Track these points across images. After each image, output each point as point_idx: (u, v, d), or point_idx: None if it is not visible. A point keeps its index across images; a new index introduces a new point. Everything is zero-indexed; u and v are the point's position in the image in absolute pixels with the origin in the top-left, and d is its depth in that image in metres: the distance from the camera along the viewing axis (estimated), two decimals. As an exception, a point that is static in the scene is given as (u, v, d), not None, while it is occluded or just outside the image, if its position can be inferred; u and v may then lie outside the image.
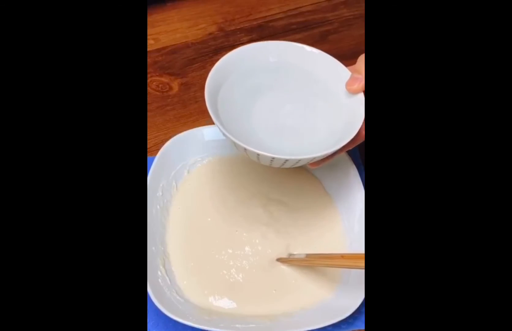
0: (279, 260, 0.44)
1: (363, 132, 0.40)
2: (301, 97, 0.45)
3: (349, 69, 0.42)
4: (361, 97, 0.41)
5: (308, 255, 0.42)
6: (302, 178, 0.49)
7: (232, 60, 0.44)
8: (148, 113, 0.55)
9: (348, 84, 0.41)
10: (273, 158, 0.37)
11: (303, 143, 0.42)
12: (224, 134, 0.38)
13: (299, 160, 0.38)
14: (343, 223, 0.46)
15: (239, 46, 0.61)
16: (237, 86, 0.44)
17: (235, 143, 0.38)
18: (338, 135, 0.40)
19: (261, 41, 0.46)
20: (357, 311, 0.38)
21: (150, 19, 0.65)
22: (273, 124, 0.43)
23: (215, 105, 0.41)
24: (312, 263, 0.43)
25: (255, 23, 0.65)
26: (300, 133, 0.42)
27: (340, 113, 0.42)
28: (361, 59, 0.41)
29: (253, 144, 0.37)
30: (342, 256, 0.39)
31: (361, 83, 0.40)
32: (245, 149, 0.37)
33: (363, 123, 0.39)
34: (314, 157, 0.38)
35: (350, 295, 0.40)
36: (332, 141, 0.40)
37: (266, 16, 0.66)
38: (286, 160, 0.37)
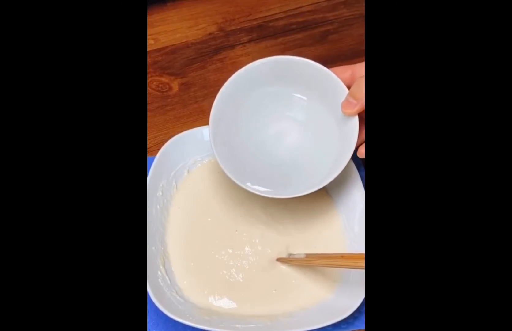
0: (279, 260, 0.44)
1: (363, 134, 0.41)
2: (298, 121, 0.46)
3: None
4: (355, 122, 0.41)
5: (307, 255, 0.42)
6: (302, 178, 0.49)
7: (230, 92, 0.44)
8: (148, 113, 0.55)
9: (343, 106, 0.42)
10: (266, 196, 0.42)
11: (299, 165, 0.45)
12: (229, 177, 0.42)
13: (293, 197, 0.42)
14: (343, 223, 0.46)
15: (239, 46, 0.61)
16: (236, 118, 0.45)
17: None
18: (334, 157, 0.42)
19: (254, 62, 0.44)
20: (357, 311, 0.38)
21: (150, 19, 0.65)
22: (271, 155, 0.46)
23: (218, 140, 0.43)
24: (312, 263, 0.43)
25: (255, 23, 0.65)
26: (297, 163, 0.45)
27: (335, 138, 0.43)
28: (358, 83, 0.41)
29: (253, 178, 0.43)
30: (342, 256, 0.39)
31: (355, 108, 0.40)
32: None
33: (362, 123, 0.40)
34: (306, 193, 0.41)
35: (350, 295, 0.40)
36: (328, 163, 0.42)
37: (266, 16, 0.66)
38: (279, 197, 0.42)
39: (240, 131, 0.45)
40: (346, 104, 0.41)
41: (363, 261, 0.35)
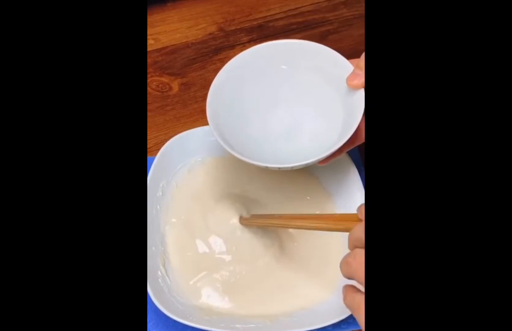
0: (242, 220, 0.43)
1: (363, 134, 0.40)
2: (302, 96, 0.45)
3: (351, 63, 0.42)
4: (361, 93, 0.40)
5: (282, 216, 0.42)
6: (302, 177, 0.49)
7: (232, 68, 0.44)
8: (148, 113, 0.55)
9: (349, 79, 0.41)
10: (267, 166, 0.39)
11: (302, 146, 0.43)
12: (223, 146, 0.40)
13: (292, 167, 0.39)
14: (343, 223, 0.46)
15: (239, 46, 0.61)
16: (236, 95, 0.45)
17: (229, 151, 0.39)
18: (337, 135, 0.41)
19: (257, 45, 0.45)
20: (357, 311, 0.38)
21: (150, 19, 0.65)
22: (274, 129, 0.44)
23: (217, 117, 0.42)
24: (287, 224, 0.42)
25: (255, 23, 0.65)
26: (300, 135, 0.44)
27: (340, 111, 0.42)
28: (364, 57, 0.40)
29: (250, 151, 0.40)
30: (333, 217, 0.37)
31: (361, 79, 0.40)
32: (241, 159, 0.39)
33: (362, 122, 0.40)
34: (307, 163, 0.39)
35: (350, 295, 0.40)
36: (331, 142, 0.40)
37: (266, 16, 0.66)
38: (279, 167, 0.39)
39: (240, 112, 0.45)
40: (352, 76, 0.41)
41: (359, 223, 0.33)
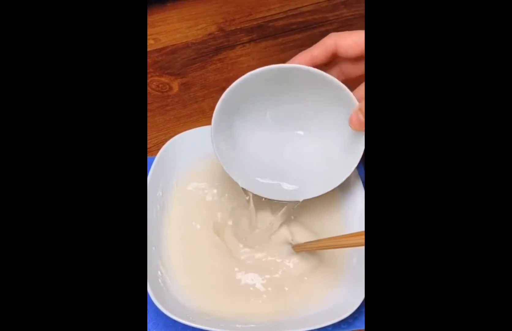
0: (295, 247, 0.44)
1: None
2: (303, 129, 0.46)
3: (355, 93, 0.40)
4: (362, 135, 0.40)
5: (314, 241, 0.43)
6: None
7: (234, 96, 0.42)
8: (148, 113, 0.55)
9: (351, 121, 0.39)
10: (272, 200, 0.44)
11: (301, 179, 0.45)
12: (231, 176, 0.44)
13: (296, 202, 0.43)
14: (343, 222, 0.46)
15: (239, 46, 0.61)
16: (239, 124, 0.44)
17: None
18: (334, 172, 0.43)
19: (260, 68, 0.40)
20: (357, 311, 0.38)
21: (150, 19, 0.65)
22: (275, 162, 0.46)
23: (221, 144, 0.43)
24: (320, 247, 0.43)
25: (255, 23, 0.65)
26: (302, 169, 0.46)
27: (340, 146, 0.43)
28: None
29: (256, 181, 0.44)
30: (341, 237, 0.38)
31: (364, 126, 0.38)
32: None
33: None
34: (312, 197, 0.43)
35: (350, 295, 0.40)
36: (329, 178, 0.43)
37: (266, 16, 0.66)
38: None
39: (244, 139, 0.45)
40: (355, 120, 0.38)
41: (362, 237, 0.34)
